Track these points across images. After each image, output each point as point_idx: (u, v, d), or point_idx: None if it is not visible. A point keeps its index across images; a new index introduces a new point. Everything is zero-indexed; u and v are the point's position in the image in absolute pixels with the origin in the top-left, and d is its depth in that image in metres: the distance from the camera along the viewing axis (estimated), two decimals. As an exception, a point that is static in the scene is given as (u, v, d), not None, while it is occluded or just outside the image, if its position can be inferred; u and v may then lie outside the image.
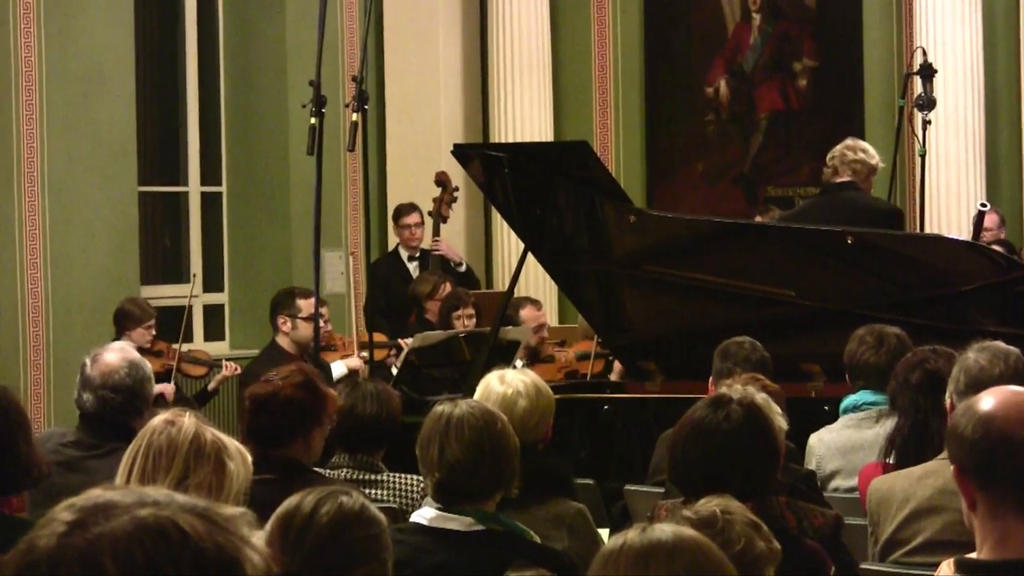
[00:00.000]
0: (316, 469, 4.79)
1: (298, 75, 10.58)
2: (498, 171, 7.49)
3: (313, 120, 6.89)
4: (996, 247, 8.01)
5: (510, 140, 11.34)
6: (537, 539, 4.00)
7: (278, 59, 11.31)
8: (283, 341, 8.81)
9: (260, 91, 11.37)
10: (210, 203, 11.47)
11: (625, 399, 7.61)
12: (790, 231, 7.67)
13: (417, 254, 10.46)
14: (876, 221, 7.58)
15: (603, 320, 8.08)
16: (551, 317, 10.49)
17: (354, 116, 7.02)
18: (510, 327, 8.18)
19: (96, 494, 1.44)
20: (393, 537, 3.16)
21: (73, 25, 10.03)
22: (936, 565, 3.12)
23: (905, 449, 4.84)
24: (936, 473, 4.26)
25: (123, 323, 8.87)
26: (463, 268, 10.52)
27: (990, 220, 9.19)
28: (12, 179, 9.77)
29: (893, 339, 5.76)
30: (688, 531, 2.43)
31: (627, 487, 5.86)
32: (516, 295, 8.69)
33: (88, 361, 5.12)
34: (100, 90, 10.17)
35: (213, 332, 11.36)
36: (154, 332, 8.97)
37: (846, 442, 5.69)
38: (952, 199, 10.63)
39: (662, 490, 5.08)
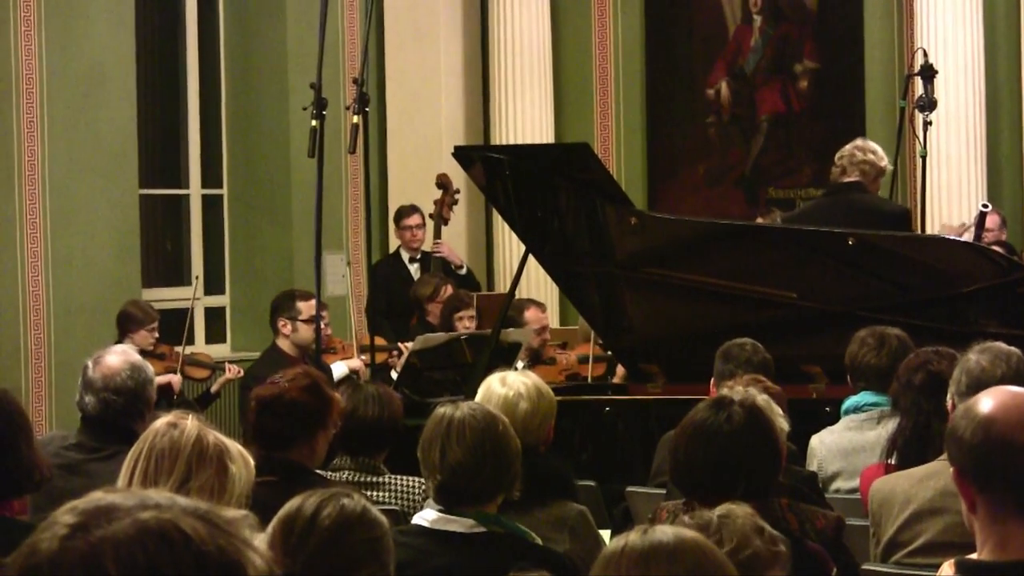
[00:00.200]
0: (318, 471, 4.79)
1: (299, 77, 10.59)
2: (499, 173, 7.49)
3: (314, 122, 6.90)
4: (996, 248, 8.00)
5: (511, 142, 11.34)
6: (539, 541, 4.00)
7: (279, 61, 11.31)
8: (283, 343, 8.82)
9: (261, 93, 11.37)
10: (211, 205, 11.47)
11: (626, 401, 7.61)
12: (791, 232, 7.67)
13: (418, 256, 10.46)
14: (884, 223, 7.57)
15: (604, 322, 8.08)
16: (552, 319, 10.49)
17: (355, 118, 7.02)
18: (511, 329, 8.18)
19: (98, 497, 1.44)
20: (395, 539, 3.16)
21: (74, 27, 10.03)
22: (937, 566, 3.12)
23: (907, 450, 4.84)
24: (938, 474, 4.26)
25: (126, 325, 8.87)
26: (464, 271, 10.52)
27: (991, 221, 9.19)
28: (13, 181, 9.77)
29: (894, 340, 5.76)
30: (689, 533, 2.43)
31: (629, 489, 5.86)
32: (517, 297, 8.69)
33: (90, 363, 5.12)
34: (101, 92, 10.17)
35: (214, 334, 11.36)
36: (157, 335, 8.97)
37: (847, 444, 5.69)
38: (953, 200, 10.63)
39: (664, 492, 5.08)
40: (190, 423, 3.24)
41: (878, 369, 5.69)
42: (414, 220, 10.40)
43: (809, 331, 7.35)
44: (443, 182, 10.41)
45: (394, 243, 10.89)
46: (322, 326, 8.11)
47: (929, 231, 9.46)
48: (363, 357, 9.08)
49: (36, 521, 3.69)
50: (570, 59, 12.05)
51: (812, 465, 5.71)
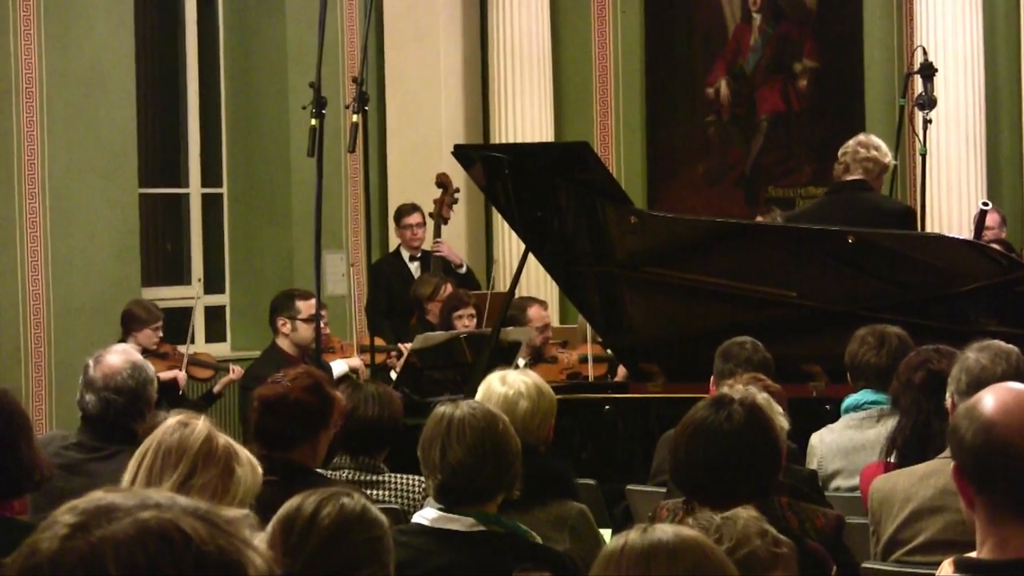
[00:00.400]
0: (319, 471, 4.79)
1: (298, 77, 10.59)
2: (499, 172, 7.49)
3: (313, 121, 6.90)
4: (995, 246, 8.00)
5: (511, 141, 11.33)
6: (539, 540, 4.00)
7: (278, 61, 11.31)
8: (283, 343, 8.82)
9: (260, 93, 11.37)
10: (211, 205, 11.47)
11: (626, 400, 7.61)
12: (791, 231, 7.67)
13: (418, 255, 10.46)
14: (888, 221, 7.57)
15: (604, 321, 8.08)
16: (552, 318, 10.49)
17: (354, 117, 7.03)
18: (511, 328, 8.18)
19: (98, 497, 1.44)
20: (395, 539, 3.16)
21: (74, 27, 10.03)
22: (937, 564, 3.12)
23: (907, 449, 4.84)
24: (938, 473, 4.26)
25: (130, 325, 8.89)
26: (463, 270, 10.52)
27: (991, 219, 9.19)
28: (13, 181, 9.77)
29: (894, 339, 5.76)
30: (689, 531, 2.43)
31: (629, 487, 5.86)
32: (517, 296, 8.69)
33: (91, 363, 5.12)
34: (101, 92, 10.17)
35: (214, 334, 11.36)
36: (161, 334, 8.99)
37: (847, 442, 5.69)
38: (953, 198, 10.63)
39: (664, 490, 5.08)
40: (201, 424, 3.24)
41: (878, 368, 5.69)
42: (414, 219, 10.40)
43: (809, 330, 7.35)
44: (443, 181, 10.40)
45: (394, 242, 10.89)
46: (321, 326, 8.11)
47: (929, 230, 9.45)
48: (362, 356, 9.08)
49: (36, 521, 3.70)
50: (570, 58, 12.05)
51: (812, 464, 5.71)
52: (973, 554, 2.91)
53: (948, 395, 4.31)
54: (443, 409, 3.97)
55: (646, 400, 7.49)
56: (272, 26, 11.34)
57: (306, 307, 8.67)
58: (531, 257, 7.63)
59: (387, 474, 5.13)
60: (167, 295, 10.66)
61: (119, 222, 10.26)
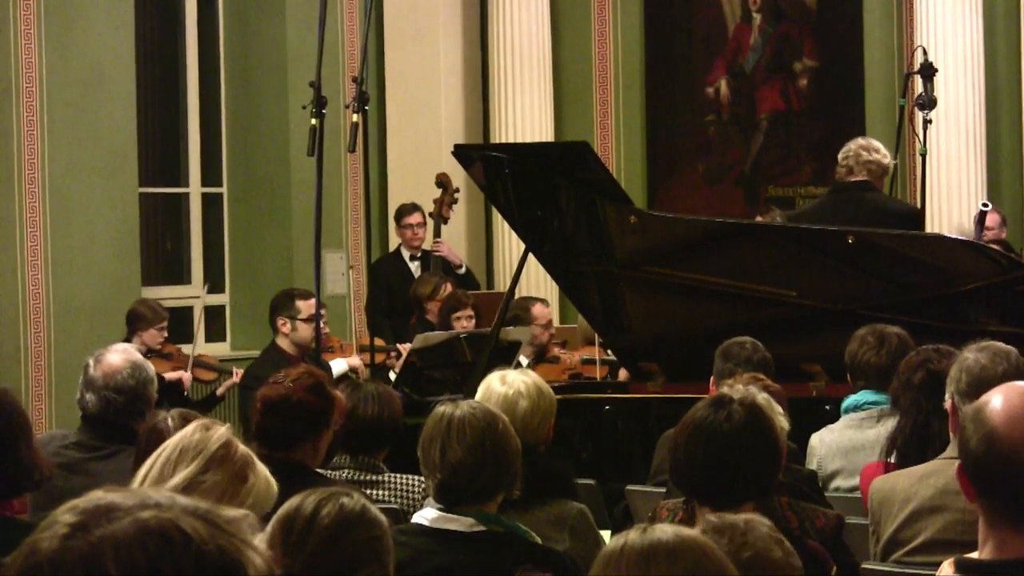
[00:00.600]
0: (319, 471, 4.80)
1: (298, 76, 10.59)
2: (499, 172, 7.49)
3: (314, 121, 6.90)
4: (993, 246, 7.99)
5: (511, 141, 11.33)
6: (538, 540, 4.00)
7: (278, 60, 11.31)
8: (283, 342, 8.82)
9: (261, 92, 11.37)
10: (211, 204, 11.47)
11: (626, 399, 7.61)
12: (791, 231, 7.67)
13: (418, 254, 10.46)
14: (895, 222, 7.57)
15: (604, 321, 8.08)
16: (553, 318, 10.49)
17: (354, 117, 7.03)
18: (511, 328, 8.18)
19: (98, 496, 1.44)
20: (395, 538, 3.16)
21: (73, 27, 10.03)
22: (937, 565, 3.12)
23: (906, 449, 4.84)
24: (938, 473, 4.26)
25: (135, 324, 8.90)
26: (463, 270, 10.52)
27: (991, 219, 9.18)
28: (13, 181, 9.77)
29: (894, 339, 5.75)
30: (689, 531, 2.42)
31: (628, 487, 5.86)
32: (517, 295, 8.69)
33: (91, 362, 5.12)
34: (101, 92, 10.17)
35: (214, 333, 11.36)
36: (166, 334, 9.01)
37: (847, 442, 5.69)
38: (953, 198, 10.63)
39: (663, 490, 5.08)
40: (224, 430, 3.24)
41: (878, 367, 5.69)
42: (415, 219, 10.40)
43: (809, 330, 7.35)
44: (443, 181, 10.41)
45: (394, 242, 10.89)
46: (321, 326, 8.11)
47: (930, 230, 9.45)
48: (362, 356, 9.09)
49: (36, 520, 3.70)
50: (570, 57, 12.05)
51: (812, 464, 5.71)
52: (974, 554, 2.91)
53: (948, 395, 4.31)
54: (443, 409, 3.97)
55: (646, 400, 7.49)
56: (272, 26, 11.34)
57: (306, 307, 8.67)
58: (531, 257, 7.63)
59: (387, 474, 5.13)
60: (167, 295, 10.66)
61: (119, 221, 10.26)
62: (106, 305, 9.94)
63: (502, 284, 11.20)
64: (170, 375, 8.84)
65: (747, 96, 11.85)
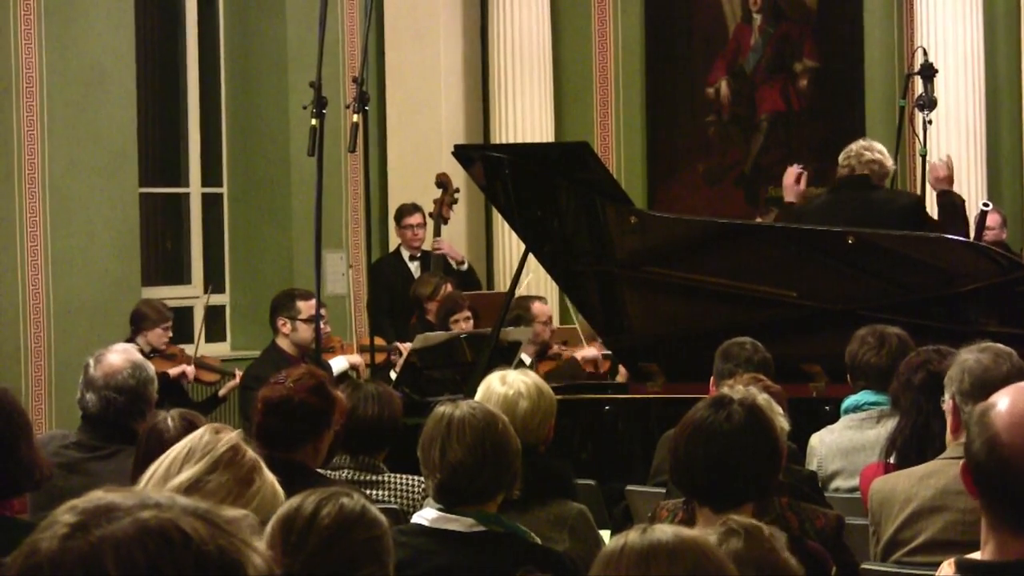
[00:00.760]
0: (319, 471, 4.80)
1: (299, 76, 10.58)
2: (499, 172, 7.49)
3: (314, 121, 6.89)
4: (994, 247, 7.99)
5: (511, 141, 11.34)
6: (538, 541, 4.00)
7: (279, 60, 11.31)
8: (283, 343, 8.83)
9: (261, 92, 11.37)
10: (211, 204, 11.47)
11: (626, 400, 7.61)
12: (791, 231, 7.67)
13: (418, 254, 10.46)
14: (900, 215, 7.55)
15: (604, 321, 8.08)
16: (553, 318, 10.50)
17: (355, 117, 7.02)
18: (511, 328, 8.19)
19: (98, 496, 1.44)
20: (395, 539, 3.15)
21: (74, 26, 10.03)
22: (937, 565, 3.12)
23: (906, 450, 4.83)
24: (938, 473, 4.26)
25: (140, 324, 8.92)
26: (465, 266, 10.53)
27: (992, 220, 9.18)
28: (13, 181, 9.77)
29: (894, 339, 5.75)
30: (689, 532, 2.42)
31: (628, 487, 5.86)
32: (517, 295, 8.70)
33: (91, 361, 5.12)
34: (101, 91, 10.17)
35: (214, 333, 11.36)
36: (171, 334, 9.03)
37: (847, 442, 5.69)
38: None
39: (663, 491, 5.08)
40: (233, 434, 3.24)
41: (878, 368, 5.69)
42: (415, 219, 10.40)
43: (809, 330, 7.35)
44: (443, 181, 10.41)
45: (394, 242, 10.89)
46: (321, 325, 8.11)
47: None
48: (363, 355, 9.09)
49: (36, 520, 3.69)
50: (570, 58, 12.05)
51: (812, 464, 5.71)
52: (975, 554, 2.91)
53: (948, 396, 4.30)
54: (443, 409, 3.96)
55: (646, 400, 7.49)
56: (272, 26, 11.34)
57: (306, 307, 8.68)
58: (531, 257, 7.63)
59: (386, 474, 5.12)
60: (167, 295, 10.66)
61: (119, 221, 10.26)
62: (106, 305, 9.94)
63: (502, 284, 11.20)
64: (174, 370, 8.87)
65: (747, 96, 11.85)
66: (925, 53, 8.99)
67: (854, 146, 7.91)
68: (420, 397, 7.37)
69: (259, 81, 11.38)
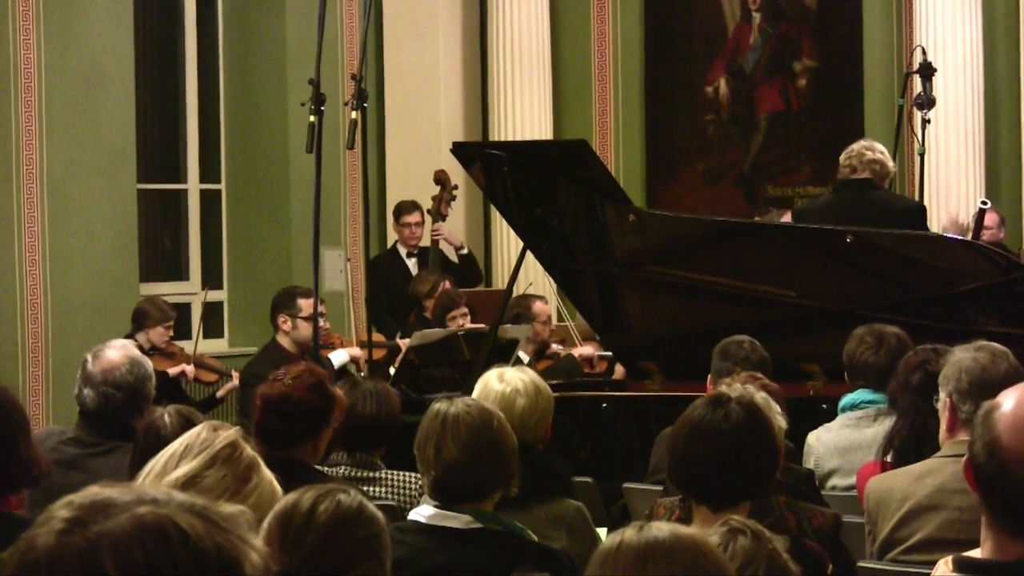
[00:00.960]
0: (318, 467, 4.80)
1: (297, 73, 10.58)
2: (498, 170, 7.49)
3: (312, 118, 6.89)
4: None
5: (510, 139, 11.33)
6: (536, 539, 3.99)
7: (277, 57, 11.30)
8: (283, 340, 8.83)
9: (259, 89, 11.37)
10: (209, 201, 11.47)
11: (624, 398, 7.61)
12: (790, 231, 7.67)
13: (415, 251, 10.46)
14: (901, 218, 7.55)
15: (603, 320, 8.08)
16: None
17: (353, 114, 7.02)
18: (508, 325, 8.18)
19: (95, 492, 1.44)
20: (392, 537, 3.15)
21: (73, 25, 10.02)
22: (933, 563, 3.12)
23: (903, 450, 4.83)
24: (934, 472, 4.26)
25: (143, 322, 8.92)
26: (465, 251, 10.54)
27: (990, 219, 9.18)
28: (12, 178, 9.76)
29: (892, 339, 5.75)
30: (686, 530, 2.42)
31: (626, 485, 5.86)
32: (514, 293, 8.69)
33: (89, 357, 5.11)
34: (100, 89, 10.17)
35: (212, 330, 11.35)
36: (172, 333, 9.03)
37: (844, 441, 5.69)
38: (952, 198, 10.62)
39: (661, 488, 5.08)
40: (232, 431, 3.24)
41: (876, 367, 5.69)
42: (414, 218, 10.39)
43: (807, 329, 7.34)
44: (441, 178, 10.40)
45: (392, 239, 10.88)
46: (321, 322, 8.11)
47: (930, 228, 9.44)
48: (363, 350, 9.09)
49: (33, 516, 3.69)
50: (569, 56, 12.05)
51: (809, 463, 5.71)
52: (974, 552, 2.92)
53: (943, 395, 4.30)
54: (439, 406, 3.96)
55: (644, 398, 7.49)
56: (271, 23, 11.33)
57: (308, 305, 8.67)
58: (529, 255, 7.62)
59: (384, 471, 5.12)
60: (165, 291, 10.66)
61: (118, 219, 10.26)
62: (104, 302, 9.94)
63: (500, 282, 11.19)
64: (173, 369, 8.87)
65: (746, 96, 11.85)
66: (924, 52, 8.98)
67: (855, 146, 7.90)
68: (418, 394, 7.37)
69: (258, 78, 11.38)
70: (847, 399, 5.81)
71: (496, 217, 10.81)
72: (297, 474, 4.37)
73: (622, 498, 5.87)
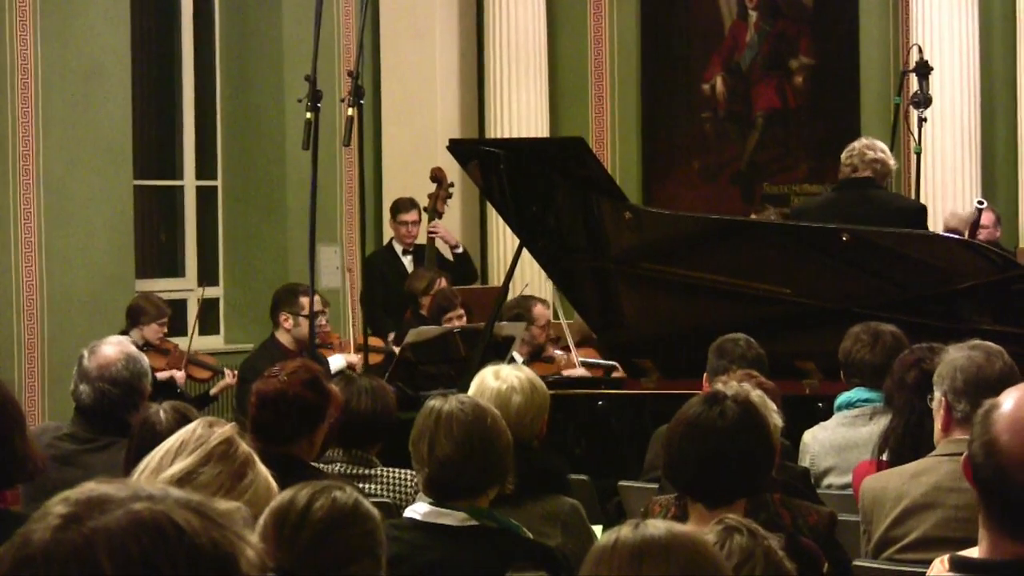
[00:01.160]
0: (313, 464, 4.79)
1: (294, 70, 10.58)
2: (494, 167, 7.48)
3: (309, 115, 6.88)
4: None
5: (506, 136, 11.32)
6: (530, 536, 3.99)
7: (274, 54, 11.30)
8: (283, 337, 8.81)
9: (256, 85, 11.37)
10: (205, 197, 11.47)
11: (620, 395, 7.61)
12: (786, 229, 7.66)
13: (411, 248, 10.46)
14: (902, 218, 7.55)
15: (599, 318, 8.08)
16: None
17: (350, 111, 7.01)
18: (504, 322, 8.18)
19: (90, 487, 1.44)
20: (388, 533, 3.15)
21: (70, 21, 10.02)
22: (929, 562, 3.12)
23: (899, 449, 4.83)
24: (930, 470, 4.26)
25: (138, 318, 8.91)
26: (460, 250, 10.54)
27: (986, 218, 9.19)
28: (8, 175, 9.76)
29: (888, 337, 5.75)
30: (681, 527, 2.42)
31: (621, 483, 5.85)
32: (512, 292, 8.69)
33: (86, 353, 5.11)
34: (97, 85, 10.16)
35: (208, 326, 11.35)
36: (166, 330, 9.03)
37: (840, 440, 5.69)
38: (948, 197, 10.63)
39: (656, 486, 5.08)
40: (228, 428, 3.24)
41: (872, 365, 5.69)
42: (410, 216, 10.38)
43: (803, 327, 7.34)
44: (437, 176, 10.40)
45: (388, 235, 10.88)
46: (322, 321, 8.11)
47: (930, 227, 9.45)
48: (360, 355, 9.08)
49: (29, 512, 3.69)
50: (566, 53, 12.05)
51: (804, 461, 5.71)
52: (970, 551, 2.92)
53: (938, 394, 4.29)
54: (433, 403, 3.96)
55: (640, 396, 7.49)
56: (268, 19, 11.33)
57: (309, 303, 8.67)
58: (525, 252, 7.62)
59: (379, 468, 5.12)
60: (161, 287, 10.66)
61: (114, 215, 10.26)
62: (101, 298, 9.94)
63: (496, 279, 11.20)
64: (162, 375, 8.82)
65: (743, 93, 11.86)
66: (920, 50, 8.99)
67: (857, 145, 7.89)
68: (414, 391, 7.37)
69: (254, 75, 11.37)
70: (843, 397, 5.81)
71: (492, 214, 10.81)
72: (293, 471, 4.37)
73: (617, 496, 5.87)
